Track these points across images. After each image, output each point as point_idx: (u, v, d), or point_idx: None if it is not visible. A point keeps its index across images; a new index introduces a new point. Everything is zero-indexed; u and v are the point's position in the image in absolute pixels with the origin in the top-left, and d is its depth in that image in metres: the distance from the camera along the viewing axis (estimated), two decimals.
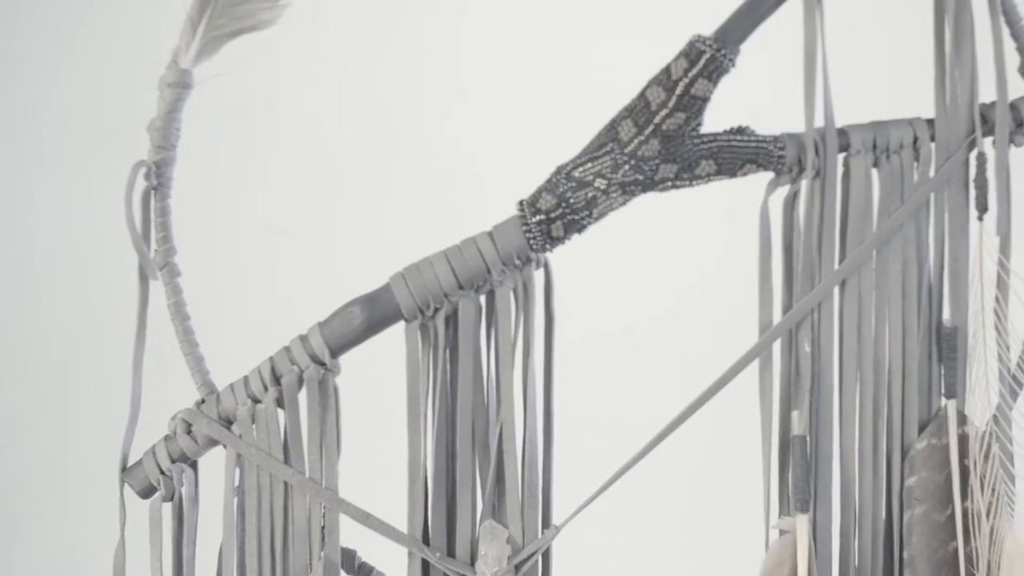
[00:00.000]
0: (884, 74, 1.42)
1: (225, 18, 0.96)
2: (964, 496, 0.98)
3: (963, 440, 0.98)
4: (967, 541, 0.97)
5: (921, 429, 0.98)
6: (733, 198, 1.00)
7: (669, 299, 1.75)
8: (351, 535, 0.98)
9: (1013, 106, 0.97)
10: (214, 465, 1.00)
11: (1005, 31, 0.97)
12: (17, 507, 1.88)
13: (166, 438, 0.98)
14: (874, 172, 0.96)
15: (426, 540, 0.97)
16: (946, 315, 0.99)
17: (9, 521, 1.88)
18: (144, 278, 0.97)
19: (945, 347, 0.98)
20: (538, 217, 0.93)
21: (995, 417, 0.97)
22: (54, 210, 1.88)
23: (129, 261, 0.97)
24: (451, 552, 0.97)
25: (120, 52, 1.81)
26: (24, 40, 1.85)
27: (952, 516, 0.98)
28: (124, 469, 0.98)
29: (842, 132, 0.96)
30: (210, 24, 0.95)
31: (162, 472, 0.97)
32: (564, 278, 0.99)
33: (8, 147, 1.88)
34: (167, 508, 0.97)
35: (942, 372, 0.99)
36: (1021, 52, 0.98)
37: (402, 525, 0.96)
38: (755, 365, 0.97)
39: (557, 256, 0.97)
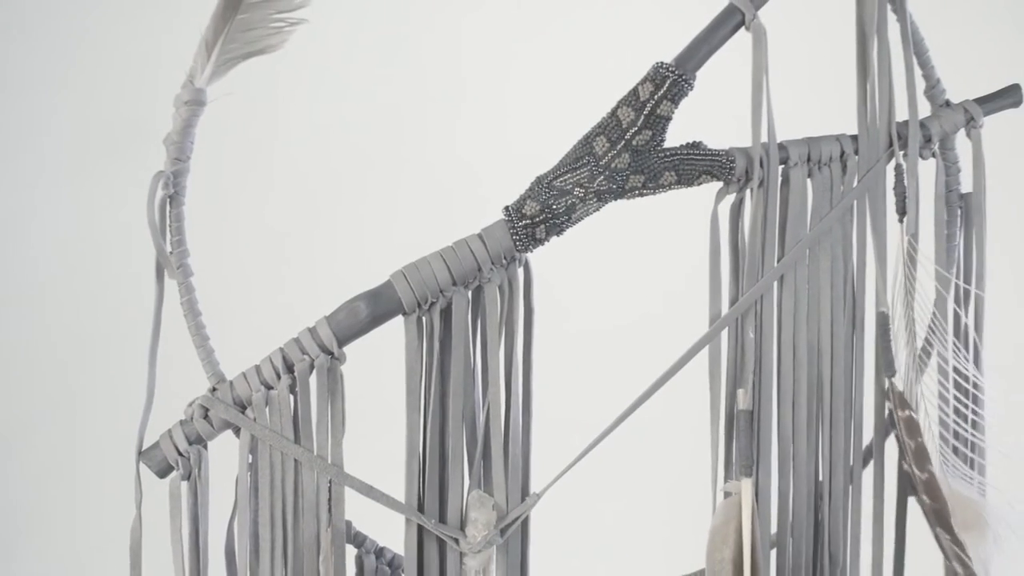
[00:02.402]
0: (815, 96, 1.52)
1: (237, 42, 1.04)
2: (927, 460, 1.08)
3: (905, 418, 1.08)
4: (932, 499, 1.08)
5: (845, 404, 1.10)
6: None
7: (653, 296, 1.82)
8: (354, 507, 1.06)
9: (922, 124, 1.10)
10: (218, 447, 1.07)
11: (915, 61, 1.10)
12: (24, 505, 1.90)
13: (182, 422, 1.05)
14: (808, 181, 1.08)
15: (421, 509, 1.06)
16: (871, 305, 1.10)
17: (15, 518, 1.90)
18: (161, 277, 1.04)
19: (879, 331, 1.09)
20: (524, 221, 1.04)
21: (920, 391, 1.09)
22: (61, 214, 1.89)
23: (133, 263, 1.04)
24: (443, 519, 1.06)
25: (125, 64, 1.84)
26: (32, 52, 1.86)
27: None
28: (140, 452, 1.05)
29: (782, 146, 1.07)
30: (223, 48, 1.03)
31: (179, 453, 1.04)
32: (563, 277, 1.07)
33: (16, 155, 1.90)
34: (183, 485, 1.04)
35: (864, 353, 1.10)
36: (927, 78, 1.12)
37: (400, 496, 1.05)
38: (706, 350, 1.07)
39: (557, 256, 1.07)
